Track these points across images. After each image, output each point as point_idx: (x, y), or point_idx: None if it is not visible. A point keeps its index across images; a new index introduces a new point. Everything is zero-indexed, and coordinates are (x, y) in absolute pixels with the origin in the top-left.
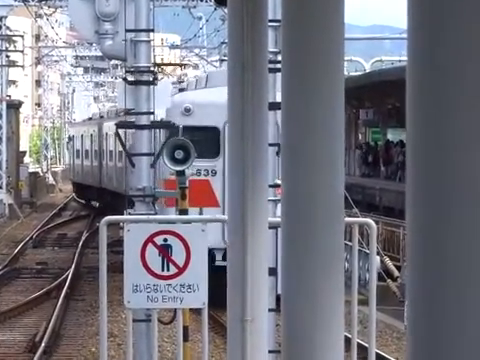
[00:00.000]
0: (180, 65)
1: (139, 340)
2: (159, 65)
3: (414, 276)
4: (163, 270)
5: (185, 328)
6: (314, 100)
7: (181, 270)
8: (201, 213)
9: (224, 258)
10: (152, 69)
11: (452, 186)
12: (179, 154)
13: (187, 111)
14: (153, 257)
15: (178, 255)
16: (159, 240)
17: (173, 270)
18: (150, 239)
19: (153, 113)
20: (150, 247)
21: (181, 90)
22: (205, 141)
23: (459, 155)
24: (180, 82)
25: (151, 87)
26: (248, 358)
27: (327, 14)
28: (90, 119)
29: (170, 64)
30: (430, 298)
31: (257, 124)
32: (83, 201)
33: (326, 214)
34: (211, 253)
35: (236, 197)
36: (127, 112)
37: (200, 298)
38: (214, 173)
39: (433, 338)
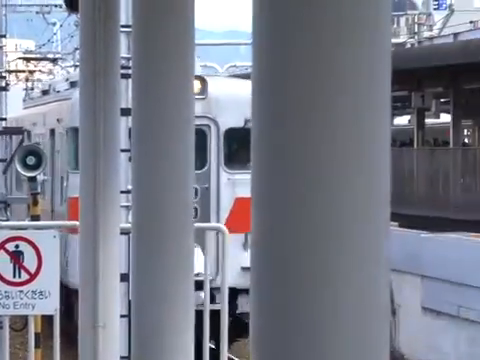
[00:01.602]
0: (31, 71)
1: None
2: (11, 72)
3: (253, 277)
4: (15, 277)
5: (37, 335)
6: (164, 106)
7: (33, 277)
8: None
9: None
10: (3, 75)
11: (287, 188)
12: (31, 160)
13: None
14: (4, 263)
15: (30, 261)
16: (10, 246)
17: (25, 277)
18: (1, 245)
19: (5, 119)
20: (1, 253)
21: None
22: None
23: (301, 154)
24: (32, 89)
25: (3, 93)
26: None
27: (177, 20)
28: None
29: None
30: (267, 300)
31: (109, 130)
32: None
33: (176, 220)
34: None
35: (88, 203)
36: None
37: (52, 304)
38: None
39: (274, 338)
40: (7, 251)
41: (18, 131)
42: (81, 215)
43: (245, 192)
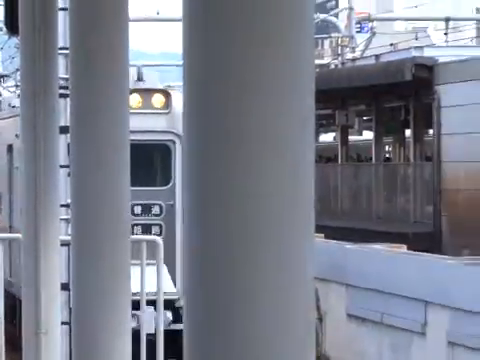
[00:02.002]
0: None
1: None
2: None
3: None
4: None
5: None
6: (101, 123)
7: None
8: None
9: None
10: None
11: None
12: None
13: None
14: None
15: None
16: None
17: None
18: None
19: None
20: None
21: None
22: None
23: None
24: None
25: None
26: None
27: (111, 41)
28: None
29: None
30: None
31: (49, 147)
32: None
33: (111, 233)
34: None
35: (29, 216)
36: None
37: None
38: None
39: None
40: None
41: None
42: (23, 228)
43: None
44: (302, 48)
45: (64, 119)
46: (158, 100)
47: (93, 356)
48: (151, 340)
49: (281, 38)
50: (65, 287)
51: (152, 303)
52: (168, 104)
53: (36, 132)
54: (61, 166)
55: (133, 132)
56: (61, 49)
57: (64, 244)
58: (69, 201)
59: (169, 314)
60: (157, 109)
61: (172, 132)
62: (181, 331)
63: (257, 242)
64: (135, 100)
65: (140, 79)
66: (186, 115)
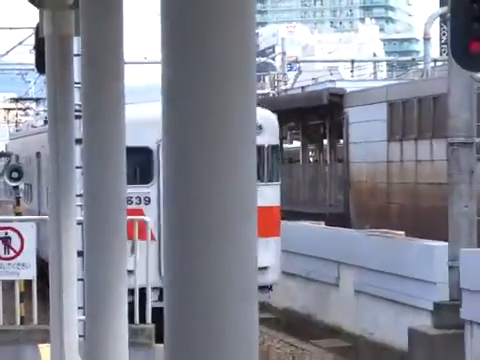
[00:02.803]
0: (12, 110)
1: None
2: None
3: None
4: (5, 253)
5: (21, 293)
6: (104, 137)
7: (17, 254)
8: (133, 247)
9: (160, 298)
10: None
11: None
12: (15, 175)
13: None
14: None
15: (15, 243)
16: (1, 233)
17: (12, 254)
18: None
19: None
20: None
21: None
22: (135, 164)
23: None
24: (16, 125)
25: None
26: (64, 313)
27: (110, 80)
28: None
29: (12, 109)
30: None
31: (68, 153)
32: None
33: (111, 215)
34: (144, 293)
35: (53, 203)
36: None
37: (31, 272)
38: (147, 201)
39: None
40: None
41: (7, 154)
42: (50, 211)
43: None
44: (247, 81)
45: (78, 133)
46: None
47: (104, 309)
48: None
49: (234, 73)
50: (80, 254)
51: None
52: None
53: (58, 143)
54: (76, 167)
55: None
56: (76, 83)
57: (79, 223)
58: (81, 192)
59: None
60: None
61: None
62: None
63: (212, 233)
64: None
65: None
66: (164, 128)
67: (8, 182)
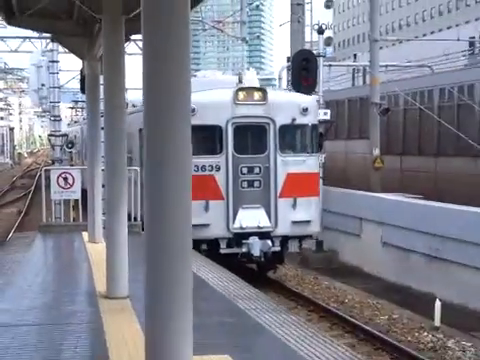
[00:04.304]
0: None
1: None
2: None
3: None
4: (65, 185)
5: (73, 206)
6: (113, 135)
7: (71, 186)
8: (207, 206)
9: (228, 246)
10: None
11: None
12: (70, 145)
13: (192, 111)
14: (61, 180)
15: (70, 180)
16: (64, 175)
17: (68, 185)
18: (60, 175)
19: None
20: (60, 178)
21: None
22: (209, 139)
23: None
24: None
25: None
26: (95, 216)
27: (113, 82)
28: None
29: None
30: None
31: (95, 135)
32: None
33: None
34: (216, 242)
35: (90, 160)
36: None
37: (78, 195)
38: (218, 168)
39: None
40: (61, 176)
41: (66, 135)
42: (88, 165)
43: (293, 169)
44: (184, 99)
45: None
46: (258, 95)
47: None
48: (257, 260)
49: (176, 94)
50: (103, 186)
51: (256, 234)
52: (265, 97)
53: (92, 128)
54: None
55: (242, 117)
56: (101, 98)
57: (103, 170)
58: (102, 155)
59: (269, 241)
60: (257, 101)
61: (267, 117)
62: (276, 252)
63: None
64: (241, 95)
65: (240, 81)
66: (145, 127)
67: (66, 149)
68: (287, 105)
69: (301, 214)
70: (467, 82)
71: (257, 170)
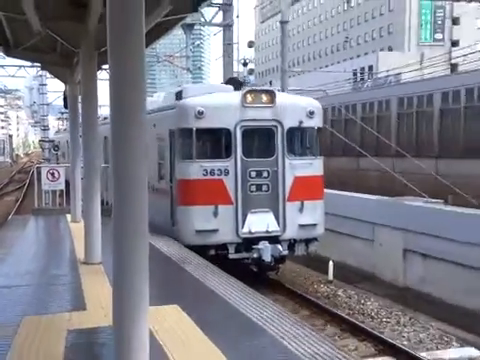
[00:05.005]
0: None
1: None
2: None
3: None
4: (53, 178)
5: (59, 195)
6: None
7: (57, 179)
8: (216, 211)
9: (236, 251)
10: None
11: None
12: (56, 148)
13: (200, 114)
14: (49, 175)
15: (56, 175)
16: (51, 171)
17: (55, 179)
18: (49, 171)
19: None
20: (48, 173)
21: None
22: (217, 142)
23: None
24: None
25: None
26: (76, 201)
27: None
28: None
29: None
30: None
31: (76, 141)
32: None
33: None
34: (224, 247)
35: (72, 161)
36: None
37: (62, 186)
38: (227, 172)
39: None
40: (49, 172)
41: (53, 141)
42: (71, 163)
43: (300, 172)
44: (140, 107)
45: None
46: (266, 97)
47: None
48: (267, 265)
49: (134, 107)
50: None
51: (265, 239)
52: (273, 100)
53: (73, 138)
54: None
55: (250, 120)
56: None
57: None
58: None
59: (279, 246)
60: (265, 104)
61: (275, 120)
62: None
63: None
64: (250, 98)
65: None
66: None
67: (53, 151)
68: (294, 108)
69: (307, 218)
70: (351, 102)
71: (265, 174)
